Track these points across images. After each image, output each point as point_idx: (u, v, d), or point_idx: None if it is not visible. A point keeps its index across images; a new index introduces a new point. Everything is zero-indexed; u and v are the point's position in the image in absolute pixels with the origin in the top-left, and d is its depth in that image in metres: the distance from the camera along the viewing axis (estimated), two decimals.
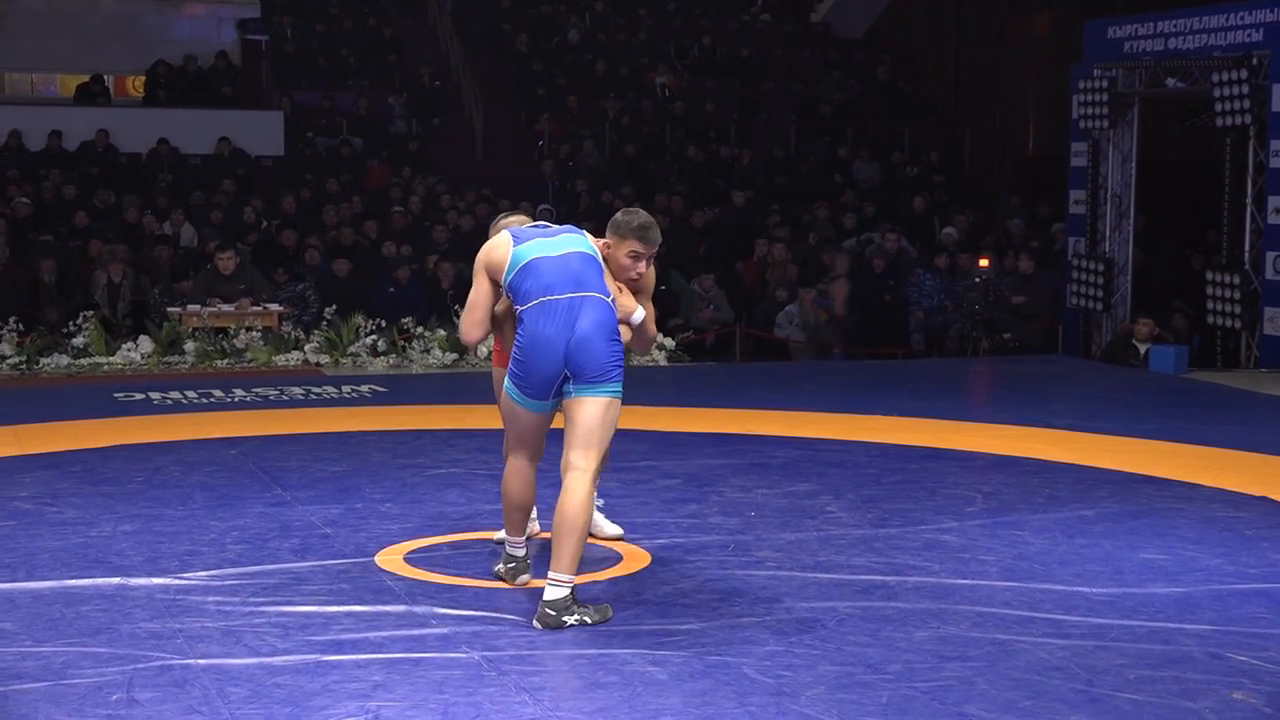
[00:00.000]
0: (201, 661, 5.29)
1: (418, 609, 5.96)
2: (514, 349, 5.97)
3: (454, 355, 14.22)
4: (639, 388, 13.33)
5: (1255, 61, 14.20)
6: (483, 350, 14.20)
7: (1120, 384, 13.16)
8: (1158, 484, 8.58)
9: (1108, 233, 15.90)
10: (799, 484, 8.49)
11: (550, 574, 5.76)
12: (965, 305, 16.46)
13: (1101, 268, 15.67)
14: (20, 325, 14.09)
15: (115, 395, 12.03)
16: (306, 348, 14.30)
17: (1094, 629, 5.73)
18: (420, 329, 14.48)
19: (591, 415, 5.82)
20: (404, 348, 14.36)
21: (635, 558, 6.78)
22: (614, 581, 6.40)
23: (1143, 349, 14.35)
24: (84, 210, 18.36)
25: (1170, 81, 15.24)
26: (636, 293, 6.22)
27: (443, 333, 14.38)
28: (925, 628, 5.72)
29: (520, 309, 5.92)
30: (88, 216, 18.12)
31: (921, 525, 7.46)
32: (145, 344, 14.17)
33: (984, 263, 16.78)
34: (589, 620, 5.70)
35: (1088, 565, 6.69)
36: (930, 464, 9.15)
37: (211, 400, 11.76)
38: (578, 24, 25.60)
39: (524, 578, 6.30)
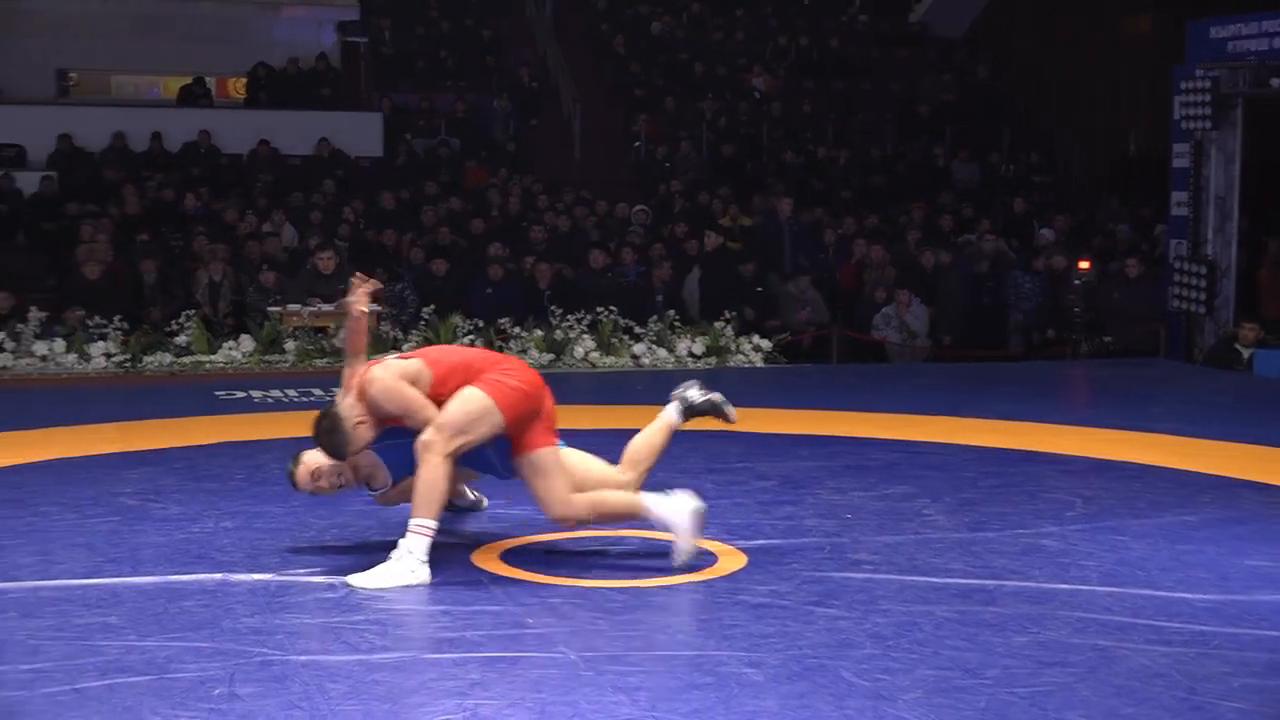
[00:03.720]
0: (302, 657, 5.34)
1: (515, 608, 5.98)
2: None
3: (550, 355, 14.27)
4: (735, 389, 13.30)
5: None
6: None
7: (1224, 388, 12.99)
8: (1263, 489, 8.46)
9: (1210, 235, 15.69)
10: (896, 486, 8.44)
11: None
12: (1065, 308, 16.31)
13: (1204, 270, 15.47)
14: (124, 324, 14.29)
15: (217, 393, 12.18)
16: (405, 347, 14.39)
17: (1197, 636, 5.66)
18: (517, 329, 14.54)
19: None
20: (501, 348, 14.42)
21: (731, 559, 6.77)
22: (710, 583, 6.39)
23: (1246, 353, 14.15)
24: (186, 211, 18.63)
25: (1275, 81, 15.00)
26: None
27: (539, 333, 14.44)
28: (1024, 633, 5.68)
29: None
30: (193, 218, 18.39)
31: (1020, 529, 7.39)
32: (246, 343, 14.32)
33: (1084, 265, 16.61)
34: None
35: (1190, 571, 6.61)
36: (1029, 467, 9.07)
37: (311, 399, 11.86)
38: (662, 17, 25.61)
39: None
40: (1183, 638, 5.64)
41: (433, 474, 6.36)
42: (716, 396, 7.23)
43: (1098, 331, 16.04)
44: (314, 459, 6.74)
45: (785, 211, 18.23)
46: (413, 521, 6.35)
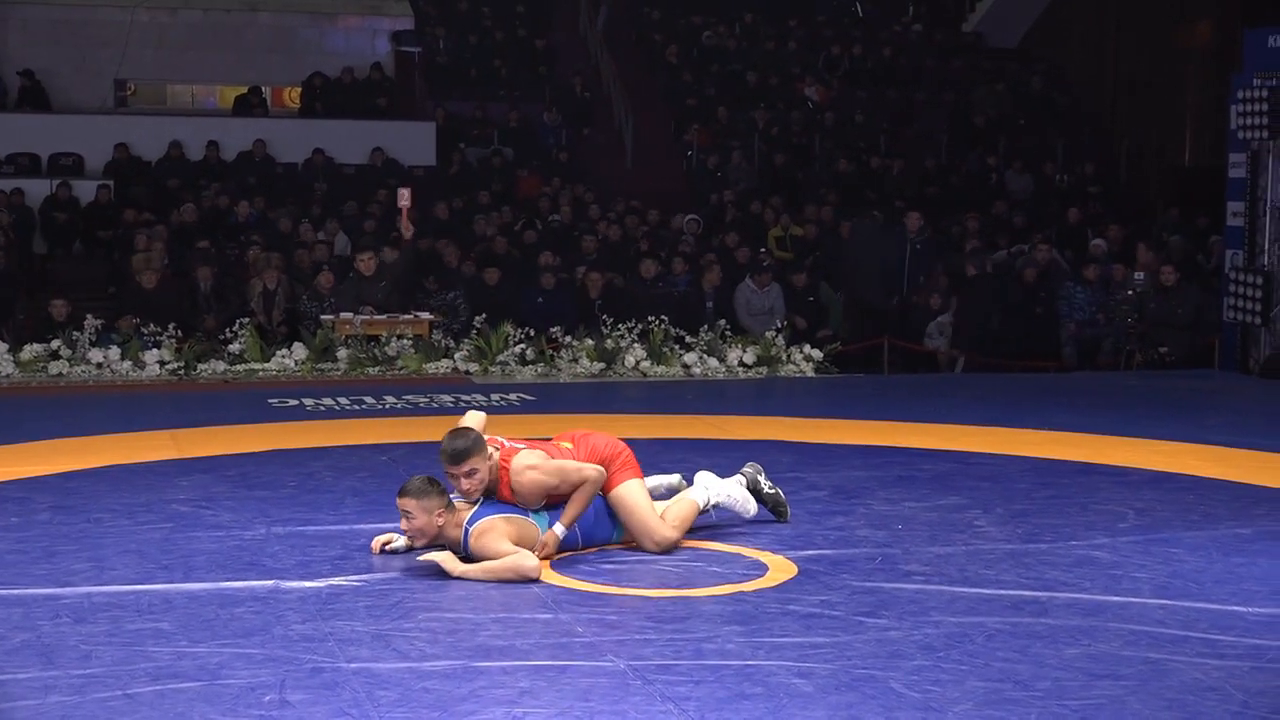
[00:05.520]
0: (352, 665, 5.36)
1: (564, 616, 5.99)
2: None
3: (601, 365, 14.28)
4: (786, 399, 13.31)
5: None
6: (629, 360, 14.27)
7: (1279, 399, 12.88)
8: None
9: (1267, 245, 15.55)
10: (947, 497, 8.41)
11: None
12: (1118, 318, 16.20)
13: (1260, 281, 15.34)
14: (179, 332, 14.39)
15: (270, 401, 12.24)
16: (456, 356, 14.43)
17: (1251, 649, 5.61)
18: (568, 338, 14.56)
19: None
20: (552, 357, 14.44)
21: (782, 569, 6.76)
22: (760, 593, 6.39)
23: None
24: (241, 219, 18.76)
25: None
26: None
27: (590, 342, 14.45)
28: (1076, 645, 5.65)
29: None
30: (246, 226, 18.51)
31: (1073, 541, 7.35)
32: (299, 351, 14.38)
33: (1140, 273, 16.48)
34: None
35: (1244, 584, 6.56)
36: (1082, 479, 9.02)
37: (363, 407, 11.92)
38: (715, 27, 25.59)
39: None
40: (1236, 651, 5.59)
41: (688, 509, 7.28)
42: (780, 493, 7.77)
43: (1152, 342, 15.92)
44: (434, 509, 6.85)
45: (913, 226, 17.35)
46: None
